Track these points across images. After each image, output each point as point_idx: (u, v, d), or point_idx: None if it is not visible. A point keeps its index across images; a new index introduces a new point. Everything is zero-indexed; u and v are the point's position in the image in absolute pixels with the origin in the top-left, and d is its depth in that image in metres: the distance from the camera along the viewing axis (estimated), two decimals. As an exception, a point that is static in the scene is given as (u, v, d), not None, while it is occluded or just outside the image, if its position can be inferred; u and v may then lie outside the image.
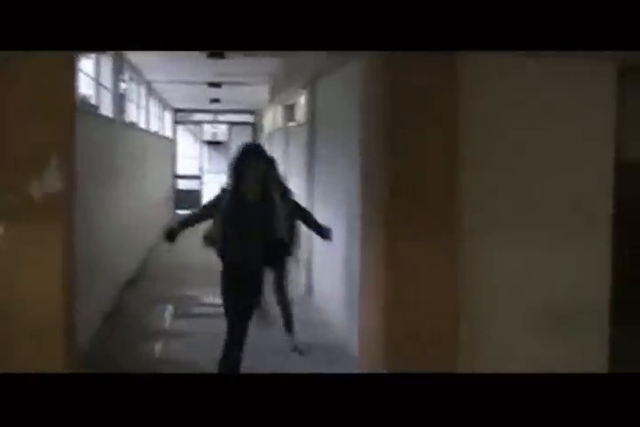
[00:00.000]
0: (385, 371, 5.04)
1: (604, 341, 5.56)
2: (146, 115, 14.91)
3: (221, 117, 23.12)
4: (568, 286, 5.52)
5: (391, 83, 5.18)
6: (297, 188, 12.12)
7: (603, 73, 5.55)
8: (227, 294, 5.51)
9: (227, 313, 5.43)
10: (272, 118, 16.72)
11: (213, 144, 26.02)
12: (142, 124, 14.09)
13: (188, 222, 5.72)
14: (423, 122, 5.14)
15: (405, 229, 5.11)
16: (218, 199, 5.55)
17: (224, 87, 15.27)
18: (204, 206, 5.85)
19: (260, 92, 16.30)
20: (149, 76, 14.16)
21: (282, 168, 14.27)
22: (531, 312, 5.45)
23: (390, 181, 5.18)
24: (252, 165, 5.34)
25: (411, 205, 5.12)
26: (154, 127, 16.64)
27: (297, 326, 7.32)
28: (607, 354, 5.57)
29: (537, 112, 5.50)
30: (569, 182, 5.53)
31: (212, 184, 23.31)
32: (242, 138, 22.25)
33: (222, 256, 5.57)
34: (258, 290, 5.47)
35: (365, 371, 5.48)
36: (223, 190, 5.53)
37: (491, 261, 5.37)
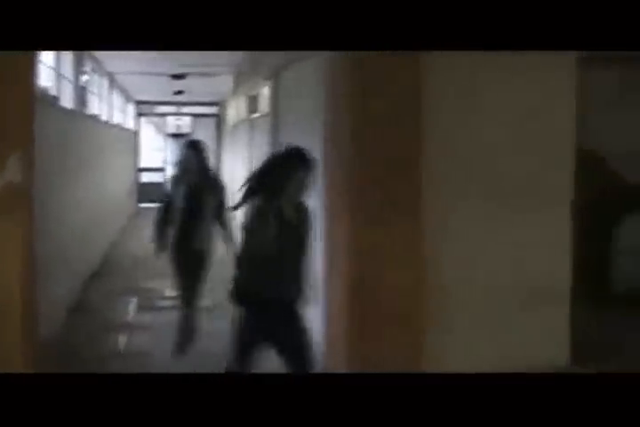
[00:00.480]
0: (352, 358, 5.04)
1: (566, 321, 5.65)
2: (108, 107, 14.75)
3: (185, 109, 22.97)
4: (530, 268, 5.58)
5: (355, 80, 5.17)
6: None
7: (563, 62, 5.58)
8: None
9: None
10: (236, 110, 16.64)
11: (177, 136, 25.83)
12: (104, 117, 13.94)
13: (163, 231, 6.52)
14: (387, 117, 5.13)
15: (369, 216, 5.11)
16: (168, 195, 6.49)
17: (188, 78, 15.16)
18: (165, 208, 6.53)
19: (225, 84, 16.22)
20: (111, 68, 14.02)
21: (247, 159, 14.24)
22: (494, 292, 5.50)
23: (353, 171, 5.18)
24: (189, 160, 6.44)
25: (374, 193, 5.12)
26: (116, 119, 16.48)
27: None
28: (568, 333, 5.65)
29: (499, 102, 5.53)
30: (530, 169, 5.57)
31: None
32: (206, 130, 22.13)
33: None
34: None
35: (331, 357, 5.49)
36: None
37: (454, 245, 5.41)
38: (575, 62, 5.65)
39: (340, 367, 5.31)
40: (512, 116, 5.56)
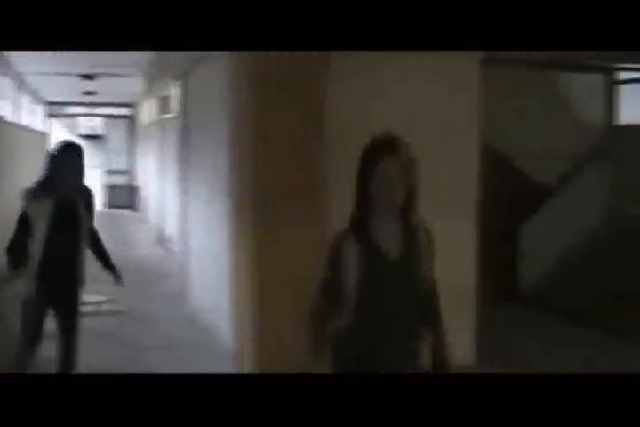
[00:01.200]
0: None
1: (471, 321, 5.73)
2: (16, 108, 14.39)
3: (98, 110, 22.59)
4: (435, 269, 5.64)
5: (259, 81, 5.16)
6: (172, 179, 11.98)
7: (466, 64, 5.67)
8: None
9: None
10: (148, 111, 16.44)
11: (90, 138, 25.41)
12: (11, 118, 13.59)
13: (18, 260, 4.97)
14: (291, 117, 5.13)
15: (274, 218, 5.10)
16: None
17: (98, 79, 14.91)
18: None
19: (136, 84, 16.00)
20: (20, 68, 13.68)
21: (159, 161, 14.10)
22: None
23: (257, 173, 5.17)
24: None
25: (278, 193, 5.11)
26: (25, 121, 16.09)
27: (174, 324, 7.24)
28: (473, 333, 5.73)
29: (404, 103, 5.59)
30: (435, 169, 5.64)
31: (89, 179, 22.81)
32: (119, 131, 21.80)
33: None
34: None
35: (239, 357, 5.46)
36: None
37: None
38: (479, 62, 5.75)
39: (248, 368, 5.29)
40: (416, 116, 5.62)
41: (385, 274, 2.53)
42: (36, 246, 4.72)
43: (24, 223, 4.66)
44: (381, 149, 2.78)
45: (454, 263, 5.68)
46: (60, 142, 4.84)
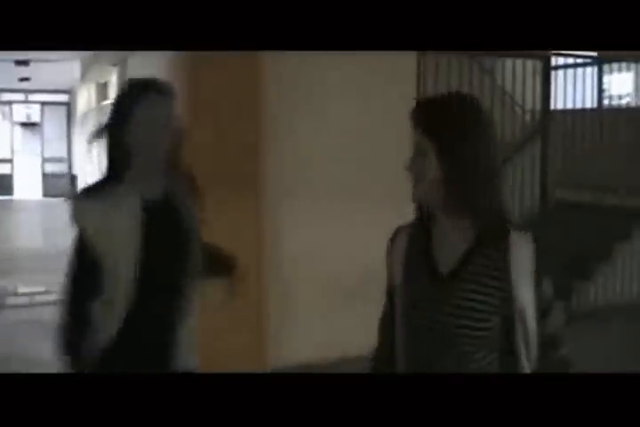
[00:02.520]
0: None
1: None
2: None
3: (34, 97, 22.10)
4: (365, 258, 5.68)
5: (191, 80, 5.07)
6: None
7: (404, 62, 5.70)
8: None
9: None
10: (86, 97, 16.15)
11: (27, 125, 24.88)
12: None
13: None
14: (227, 115, 5.06)
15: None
16: None
17: (32, 65, 14.59)
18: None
19: (72, 70, 15.70)
20: (-51, 54, 13.31)
21: (97, 148, 13.87)
22: (328, 283, 5.58)
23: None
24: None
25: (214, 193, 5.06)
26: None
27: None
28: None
29: (339, 102, 5.59)
30: (369, 161, 5.67)
31: (26, 167, 22.34)
32: (57, 119, 21.38)
33: None
34: None
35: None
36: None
37: (291, 234, 5.45)
38: (416, 62, 5.79)
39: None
40: (351, 116, 5.63)
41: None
42: (121, 299, 2.38)
43: (85, 259, 2.41)
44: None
45: (378, 252, 5.73)
46: (131, 84, 2.53)
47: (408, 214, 5.94)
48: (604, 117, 8.15)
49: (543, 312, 1.89)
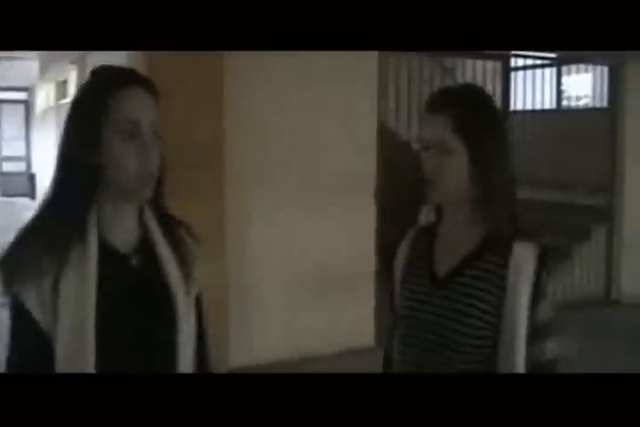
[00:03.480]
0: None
1: (371, 304, 5.83)
2: None
3: (-9, 95, 21.78)
4: (336, 255, 5.70)
5: (157, 78, 5.03)
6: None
7: (365, 53, 5.70)
8: None
9: None
10: (45, 96, 15.96)
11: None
12: None
13: None
14: (185, 116, 5.03)
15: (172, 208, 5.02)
16: None
17: (-9, 62, 14.41)
18: None
19: (30, 68, 15.52)
20: None
21: (54, 145, 13.66)
22: (301, 280, 5.59)
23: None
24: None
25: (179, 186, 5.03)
26: None
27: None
28: (373, 322, 5.83)
29: (304, 98, 5.59)
30: (334, 156, 5.68)
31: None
32: (14, 117, 21.09)
33: None
34: None
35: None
36: None
37: (260, 232, 5.44)
38: (377, 61, 5.81)
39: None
40: (316, 111, 5.64)
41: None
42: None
43: (25, 326, 1.68)
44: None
45: (353, 251, 5.76)
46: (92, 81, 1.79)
47: (369, 211, 6.00)
48: (563, 118, 8.25)
49: (537, 331, 1.76)
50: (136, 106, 1.69)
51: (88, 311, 1.63)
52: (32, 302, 1.62)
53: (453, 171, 1.79)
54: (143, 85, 1.73)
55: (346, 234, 5.74)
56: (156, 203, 1.80)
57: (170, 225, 1.83)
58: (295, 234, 5.57)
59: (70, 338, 1.62)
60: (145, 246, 1.76)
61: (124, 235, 1.75)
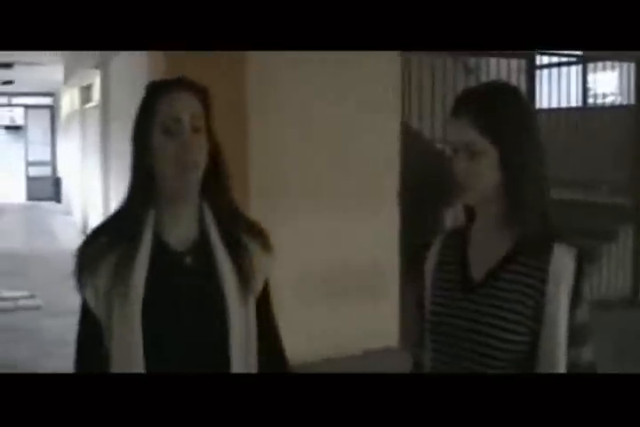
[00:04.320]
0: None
1: (395, 307, 5.80)
2: None
3: (17, 100, 22.01)
4: (360, 256, 5.68)
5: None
6: (94, 170, 11.74)
7: (387, 61, 5.68)
8: None
9: None
10: (70, 100, 16.09)
11: (11, 129, 24.80)
12: None
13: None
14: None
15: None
16: None
17: (16, 68, 14.52)
18: None
19: (55, 73, 15.64)
20: None
21: (79, 149, 13.81)
22: (324, 282, 5.57)
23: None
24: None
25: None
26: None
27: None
28: (397, 321, 5.80)
29: (325, 92, 5.57)
30: (357, 157, 5.66)
31: (8, 173, 22.22)
32: (41, 121, 21.28)
33: None
34: None
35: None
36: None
37: (282, 232, 5.41)
38: (399, 62, 5.78)
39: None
40: (339, 112, 5.61)
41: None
42: None
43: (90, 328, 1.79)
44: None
45: (377, 252, 5.73)
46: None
47: (393, 212, 5.97)
48: (589, 116, 8.16)
49: (574, 334, 1.72)
50: (175, 104, 1.79)
51: (135, 307, 1.70)
52: (90, 296, 1.74)
53: (484, 172, 1.74)
54: (185, 88, 1.84)
55: (369, 235, 5.70)
56: (215, 198, 1.83)
57: (230, 221, 1.85)
58: (318, 235, 5.54)
59: (121, 333, 1.71)
60: (200, 246, 1.80)
61: (180, 233, 1.80)
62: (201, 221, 1.82)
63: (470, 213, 1.88)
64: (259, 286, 1.90)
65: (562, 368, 1.70)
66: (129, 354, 1.69)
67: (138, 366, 1.69)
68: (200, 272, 1.79)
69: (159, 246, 1.76)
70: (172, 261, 1.77)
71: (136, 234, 1.75)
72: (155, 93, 1.83)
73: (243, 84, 5.16)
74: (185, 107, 1.80)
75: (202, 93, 1.87)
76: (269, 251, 1.95)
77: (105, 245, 1.75)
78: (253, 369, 1.83)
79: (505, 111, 1.76)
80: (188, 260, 1.78)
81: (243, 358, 1.79)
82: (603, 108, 9.44)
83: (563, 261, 1.72)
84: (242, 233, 1.87)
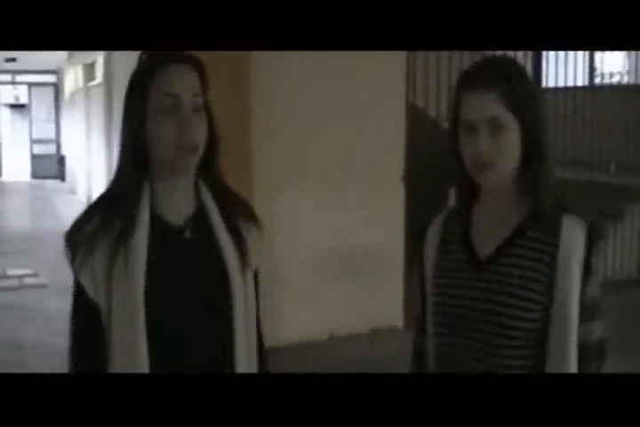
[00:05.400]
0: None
1: (399, 291, 5.81)
2: None
3: (21, 78, 21.91)
4: (365, 238, 5.69)
5: None
6: (98, 148, 11.73)
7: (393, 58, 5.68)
8: None
9: None
10: (74, 78, 16.02)
11: (15, 107, 24.71)
12: None
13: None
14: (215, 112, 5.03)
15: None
16: None
17: (19, 45, 14.44)
18: None
19: (59, 51, 15.56)
20: None
21: (83, 127, 13.77)
22: (330, 262, 5.58)
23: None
24: None
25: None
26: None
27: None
28: (401, 304, 5.82)
29: (329, 84, 5.57)
30: (362, 149, 5.68)
31: (14, 149, 22.18)
32: (45, 100, 21.20)
33: None
34: None
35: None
36: None
37: (289, 213, 5.45)
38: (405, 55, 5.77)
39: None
40: (343, 93, 5.60)
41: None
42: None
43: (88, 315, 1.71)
44: None
45: (383, 233, 5.74)
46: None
47: (399, 194, 5.98)
48: (595, 95, 8.10)
49: (584, 311, 1.67)
50: (175, 81, 1.70)
51: (138, 283, 1.65)
52: (86, 278, 1.67)
53: (511, 148, 1.68)
54: (183, 62, 1.74)
55: (375, 217, 5.71)
56: (210, 176, 1.80)
57: (225, 199, 1.82)
58: (324, 217, 5.55)
59: (122, 311, 1.65)
60: (199, 220, 1.78)
61: (178, 208, 1.76)
62: (197, 196, 1.79)
63: (473, 191, 1.80)
64: (253, 267, 1.86)
65: (573, 344, 1.66)
66: (132, 335, 1.65)
67: (141, 345, 1.64)
68: (201, 246, 1.76)
69: (157, 222, 1.73)
70: (172, 237, 1.75)
71: (132, 211, 1.70)
72: (151, 67, 1.74)
73: (247, 80, 5.13)
74: (185, 84, 1.71)
75: (200, 68, 1.76)
76: (262, 236, 1.90)
77: (99, 225, 1.69)
78: (254, 345, 1.81)
79: (526, 85, 1.73)
80: (188, 234, 1.76)
81: (244, 329, 1.77)
82: (610, 88, 9.37)
83: (574, 235, 1.67)
84: (238, 212, 1.86)
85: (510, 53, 6.88)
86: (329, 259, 5.58)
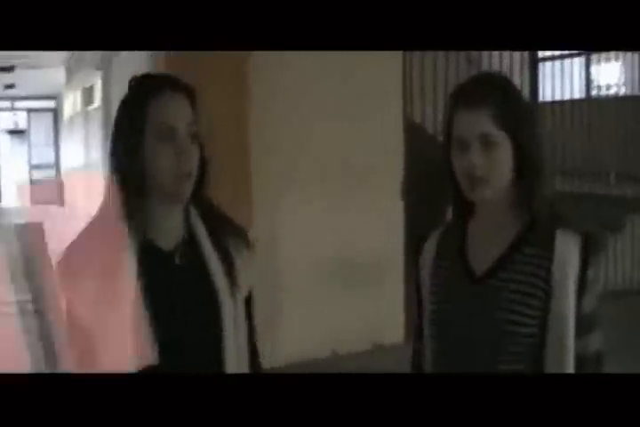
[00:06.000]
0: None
1: (400, 296, 5.78)
2: None
3: (20, 104, 21.99)
4: (362, 248, 5.68)
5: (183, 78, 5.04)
6: (96, 169, 11.73)
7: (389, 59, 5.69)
8: None
9: None
10: (72, 102, 16.09)
11: (15, 133, 24.77)
12: None
13: None
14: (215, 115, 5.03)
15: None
16: None
17: (17, 71, 14.53)
18: None
19: (57, 75, 15.64)
20: None
21: (82, 152, 13.78)
22: (330, 275, 5.56)
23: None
24: None
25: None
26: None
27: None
28: (403, 309, 5.79)
29: (326, 87, 5.58)
30: (361, 151, 5.67)
31: (13, 175, 22.19)
32: (43, 125, 21.27)
33: None
34: None
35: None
36: None
37: (287, 227, 5.44)
38: (401, 52, 5.78)
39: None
40: (341, 104, 5.62)
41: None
42: None
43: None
44: None
45: (382, 246, 5.72)
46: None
47: (398, 207, 5.96)
48: (592, 107, 8.13)
49: (581, 323, 1.67)
50: (170, 111, 1.72)
51: (128, 307, 1.63)
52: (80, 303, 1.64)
53: (503, 164, 1.69)
54: (177, 90, 1.76)
55: (374, 230, 5.70)
56: (200, 200, 1.82)
57: (215, 222, 1.83)
58: (323, 229, 5.54)
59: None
60: (189, 245, 1.79)
61: (169, 234, 1.78)
62: (187, 220, 1.80)
63: (469, 206, 1.81)
64: (245, 291, 1.88)
65: (570, 358, 1.66)
66: None
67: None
68: (191, 271, 1.78)
69: (148, 248, 1.74)
70: (163, 262, 1.76)
71: (122, 237, 1.69)
72: (144, 93, 1.76)
73: (244, 81, 5.14)
74: (180, 113, 1.74)
75: (192, 94, 1.79)
76: (253, 258, 1.92)
77: (90, 251, 1.69)
78: (245, 367, 1.82)
79: (517, 101, 1.75)
80: (178, 259, 1.77)
81: (235, 354, 1.78)
82: (606, 99, 9.40)
83: (567, 249, 1.68)
84: (228, 234, 1.86)
85: (507, 60, 6.90)
86: (328, 266, 5.56)
